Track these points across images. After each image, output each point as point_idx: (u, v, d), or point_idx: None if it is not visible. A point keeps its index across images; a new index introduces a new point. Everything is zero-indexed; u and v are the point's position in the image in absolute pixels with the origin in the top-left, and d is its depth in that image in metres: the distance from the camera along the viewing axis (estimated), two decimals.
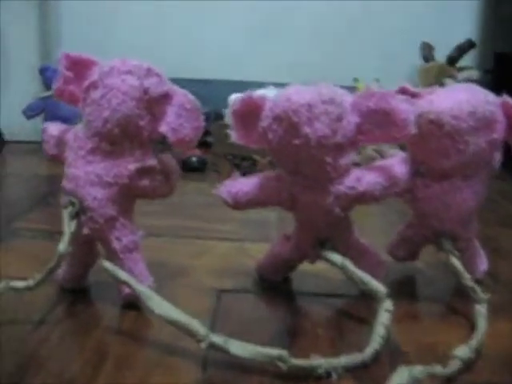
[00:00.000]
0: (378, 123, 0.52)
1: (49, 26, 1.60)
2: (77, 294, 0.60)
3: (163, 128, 0.53)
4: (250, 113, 0.56)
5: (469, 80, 1.44)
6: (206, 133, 1.36)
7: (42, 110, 1.38)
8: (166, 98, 0.53)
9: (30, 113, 1.34)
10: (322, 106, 0.50)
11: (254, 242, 0.78)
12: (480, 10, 1.63)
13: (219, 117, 1.48)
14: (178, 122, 0.54)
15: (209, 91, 1.64)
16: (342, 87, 0.53)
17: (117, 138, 0.52)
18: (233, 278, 0.66)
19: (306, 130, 0.50)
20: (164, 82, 0.54)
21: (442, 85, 1.44)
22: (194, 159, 1.20)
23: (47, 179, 1.14)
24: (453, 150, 0.55)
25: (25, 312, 0.55)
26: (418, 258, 0.68)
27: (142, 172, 0.54)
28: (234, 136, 0.58)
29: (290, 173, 0.55)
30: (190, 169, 1.19)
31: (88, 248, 0.58)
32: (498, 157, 0.58)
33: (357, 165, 0.55)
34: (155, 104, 0.53)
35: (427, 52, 1.50)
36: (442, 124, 0.54)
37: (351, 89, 1.46)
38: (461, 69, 1.46)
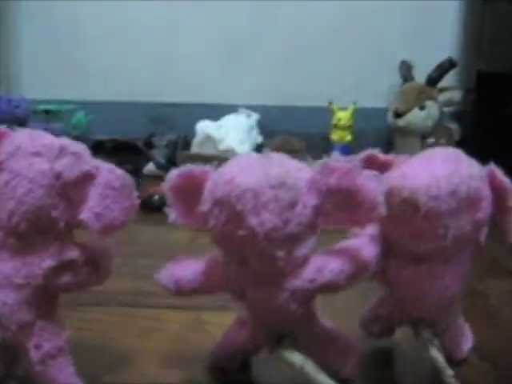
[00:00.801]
0: (340, 204, 0.43)
1: (7, 53, 1.54)
2: None
3: (84, 215, 0.44)
4: (191, 189, 0.47)
5: (450, 102, 1.37)
6: (173, 164, 1.27)
7: None
8: (85, 179, 0.44)
9: None
10: (271, 191, 0.42)
11: (211, 311, 0.69)
12: (461, 28, 1.55)
13: (187, 145, 1.38)
14: (104, 204, 0.45)
15: (178, 116, 1.55)
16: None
17: (25, 233, 0.44)
18: (183, 367, 0.57)
19: (252, 221, 0.41)
20: (83, 160, 0.45)
21: (422, 108, 1.37)
22: (155, 198, 1.08)
23: None
24: (430, 234, 0.45)
25: None
26: (394, 333, 0.60)
27: (61, 268, 0.45)
28: (171, 216, 0.48)
29: (237, 263, 0.46)
30: (150, 209, 1.04)
31: (5, 352, 0.49)
32: (484, 232, 0.49)
33: None
34: (71, 188, 0.44)
35: (406, 71, 1.42)
36: (417, 205, 0.44)
37: (327, 111, 1.39)
38: (442, 90, 1.38)
